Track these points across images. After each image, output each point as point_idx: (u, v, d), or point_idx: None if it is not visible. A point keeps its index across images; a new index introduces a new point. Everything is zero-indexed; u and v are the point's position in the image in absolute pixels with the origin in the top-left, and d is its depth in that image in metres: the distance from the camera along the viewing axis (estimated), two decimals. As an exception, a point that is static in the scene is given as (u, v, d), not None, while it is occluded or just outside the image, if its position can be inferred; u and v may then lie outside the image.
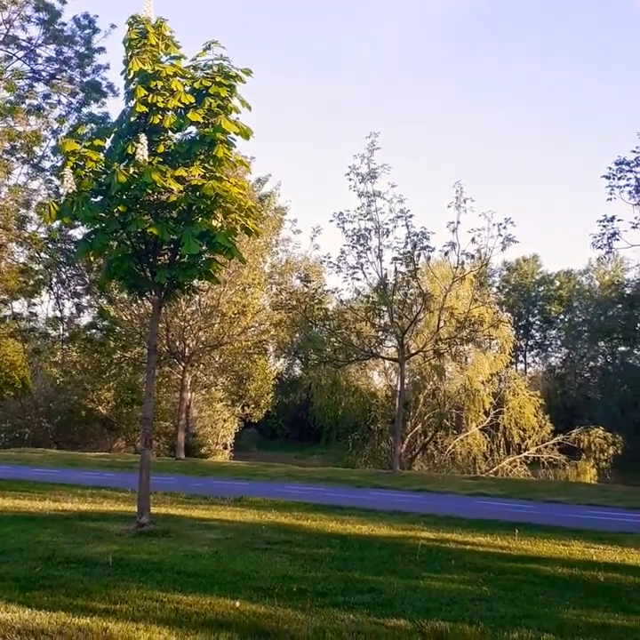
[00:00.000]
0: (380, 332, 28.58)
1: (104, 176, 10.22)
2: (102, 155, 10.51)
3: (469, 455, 34.59)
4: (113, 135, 10.86)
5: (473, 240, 24.78)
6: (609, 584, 7.79)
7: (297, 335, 36.75)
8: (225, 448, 40.90)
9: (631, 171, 24.57)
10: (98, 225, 10.45)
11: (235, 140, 10.76)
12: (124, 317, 31.89)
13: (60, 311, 33.30)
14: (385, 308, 26.65)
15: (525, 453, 34.62)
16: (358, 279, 26.13)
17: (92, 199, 10.35)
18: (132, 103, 10.47)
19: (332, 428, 38.72)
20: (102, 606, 6.33)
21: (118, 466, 24.12)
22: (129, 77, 10.56)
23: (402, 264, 25.63)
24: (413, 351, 28.78)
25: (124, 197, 10.26)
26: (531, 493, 18.19)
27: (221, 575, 7.65)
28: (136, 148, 10.04)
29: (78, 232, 24.81)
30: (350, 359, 29.58)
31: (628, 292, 32.71)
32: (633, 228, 24.58)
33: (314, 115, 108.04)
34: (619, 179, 24.59)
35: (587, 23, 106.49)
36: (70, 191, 9.99)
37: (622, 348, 40.89)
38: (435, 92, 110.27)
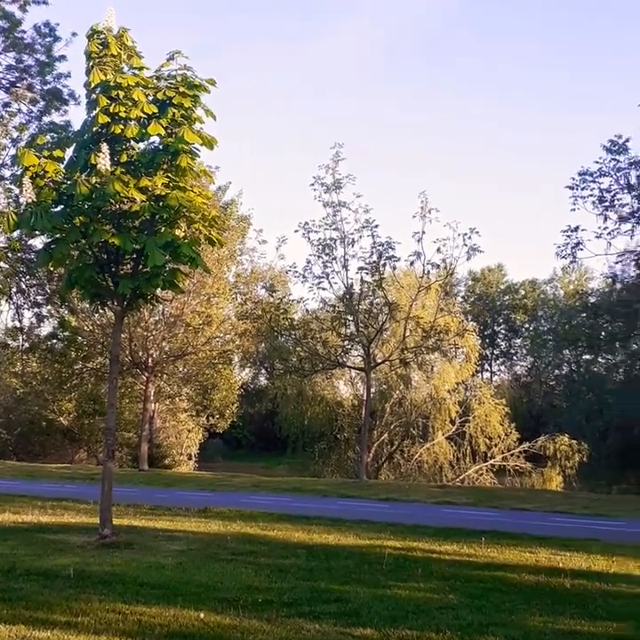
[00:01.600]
0: (346, 342, 28.59)
1: (64, 186, 10.10)
2: (62, 165, 10.38)
3: (436, 464, 34.68)
4: (75, 145, 10.75)
5: (438, 250, 24.94)
6: (575, 591, 7.82)
7: (262, 345, 36.65)
8: (189, 459, 40.54)
9: (594, 181, 24.92)
10: (58, 235, 10.33)
11: (199, 149, 10.72)
12: (85, 327, 31.54)
13: (20, 321, 32.95)
14: (351, 318, 26.67)
15: (491, 461, 34.78)
16: (324, 289, 26.15)
17: (53, 209, 10.23)
18: (93, 113, 10.37)
19: (298, 438, 38.60)
20: (63, 619, 6.22)
21: (80, 477, 23.79)
22: (91, 87, 10.45)
23: (367, 274, 25.68)
24: (380, 360, 28.82)
25: (86, 207, 10.14)
26: (497, 501, 18.27)
27: (185, 586, 7.55)
28: (98, 157, 9.93)
29: (39, 242, 24.61)
30: (316, 369, 29.55)
31: (591, 300, 33.07)
32: (596, 237, 24.90)
33: (277, 124, 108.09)
34: (582, 189, 24.92)
35: (557, 32, 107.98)
36: (29, 201, 9.85)
37: (587, 357, 41.32)
38: (399, 101, 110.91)
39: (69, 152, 10.72)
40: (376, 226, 25.02)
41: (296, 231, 25.57)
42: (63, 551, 9.52)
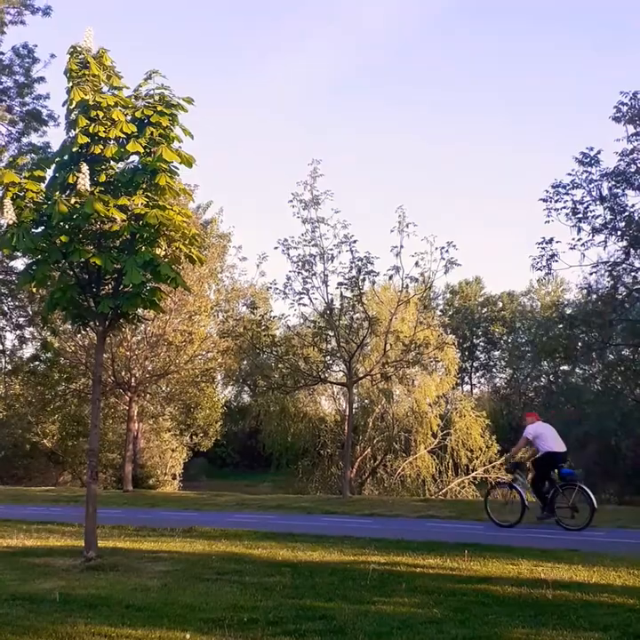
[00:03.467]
0: (328, 357, 28.63)
1: (45, 206, 10.14)
2: (43, 185, 10.43)
3: (418, 477, 34.77)
4: (54, 165, 10.79)
5: (416, 264, 25.02)
6: (557, 602, 7.88)
7: (244, 362, 36.64)
8: (174, 478, 40.40)
9: (567, 193, 25.22)
10: (39, 255, 10.36)
11: (177, 168, 10.80)
12: (67, 348, 31.43)
13: (2, 343, 32.77)
14: (332, 333, 26.71)
15: (473, 474, 34.94)
16: (305, 305, 26.14)
17: (33, 230, 10.26)
18: (73, 133, 10.43)
19: (281, 455, 38.58)
20: (49, 644, 6.21)
21: (64, 500, 23.65)
22: (70, 107, 10.51)
23: (347, 289, 25.75)
24: (361, 375, 28.89)
25: (66, 227, 10.19)
26: (480, 514, 18.26)
27: (171, 608, 7.56)
28: (77, 177, 9.98)
29: (20, 263, 24.58)
30: (298, 385, 29.53)
31: (568, 311, 33.33)
32: (571, 249, 25.19)
33: (256, 142, 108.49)
34: (556, 201, 25.21)
35: (533, 40, 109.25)
36: (10, 222, 9.90)
37: (564, 368, 41.59)
38: (374, 115, 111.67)
39: (49, 173, 10.78)
40: (354, 241, 25.13)
41: (275, 248, 25.62)
42: (48, 575, 9.49)
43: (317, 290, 25.71)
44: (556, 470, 14.80)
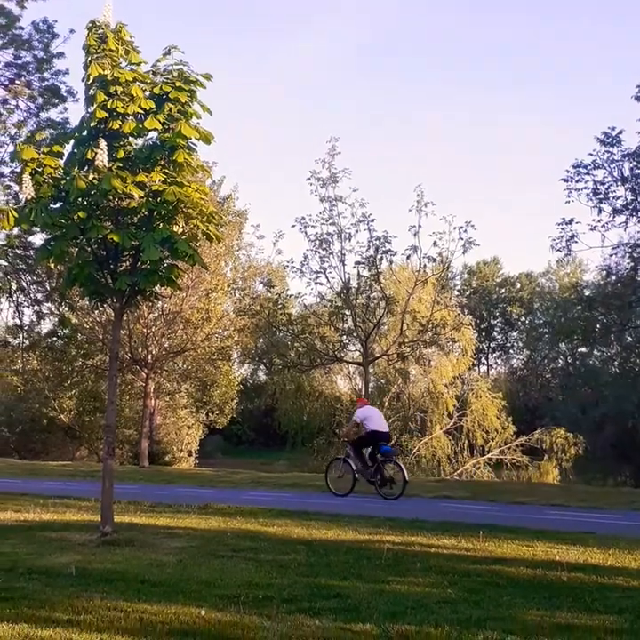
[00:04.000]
0: (344, 337, 28.64)
1: (63, 182, 10.12)
2: (61, 161, 10.41)
3: (434, 458, 34.80)
4: (73, 141, 10.76)
5: (434, 243, 24.97)
6: (572, 584, 7.85)
7: (261, 340, 36.71)
8: (190, 455, 40.63)
9: (588, 174, 25.02)
10: (57, 231, 10.35)
11: (196, 144, 10.75)
12: (85, 325, 31.60)
13: (20, 319, 32.95)
14: (348, 313, 26.70)
15: (489, 455, 34.93)
16: (321, 284, 26.16)
17: (52, 205, 10.26)
18: (91, 108, 10.37)
19: (297, 434, 38.72)
20: (65, 617, 6.25)
21: (81, 475, 23.82)
22: (88, 83, 10.45)
23: (364, 268, 25.72)
24: (377, 355, 28.87)
25: (84, 203, 10.17)
26: (495, 495, 18.31)
27: (186, 584, 7.59)
28: (96, 153, 9.95)
29: (38, 238, 24.64)
30: (314, 364, 29.58)
31: (586, 293, 33.13)
32: (591, 230, 25.05)
33: (273, 120, 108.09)
34: (576, 182, 25.04)
35: (544, 19, 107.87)
36: (29, 197, 9.89)
37: (582, 349, 41.40)
38: (393, 94, 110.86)
39: (68, 148, 10.75)
40: (372, 220, 25.09)
41: (293, 226, 25.61)
42: (65, 549, 9.55)
43: (334, 269, 25.72)
44: (378, 448, 16.62)
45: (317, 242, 25.50)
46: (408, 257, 26.29)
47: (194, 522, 12.31)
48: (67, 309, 32.28)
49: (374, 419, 16.79)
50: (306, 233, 25.51)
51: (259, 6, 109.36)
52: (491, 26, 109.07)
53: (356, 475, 16.76)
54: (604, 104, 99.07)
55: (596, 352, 41.03)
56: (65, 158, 10.58)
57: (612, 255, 26.98)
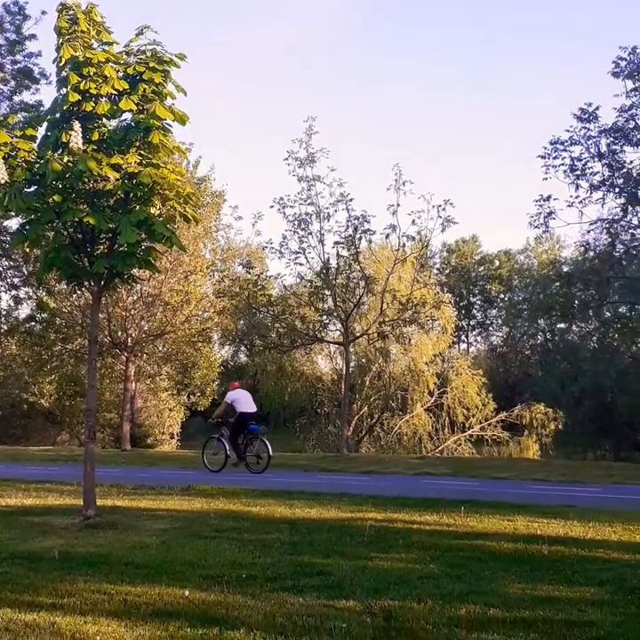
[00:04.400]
0: (324, 317, 28.66)
1: (37, 165, 10.01)
2: (35, 144, 10.29)
3: (415, 435, 35.03)
4: (46, 123, 10.64)
5: (413, 222, 24.96)
6: (553, 557, 7.95)
7: (241, 322, 36.66)
8: (171, 438, 40.63)
9: (565, 150, 25.07)
10: (33, 215, 10.25)
11: (171, 125, 10.65)
12: (63, 309, 31.38)
13: (-3, 304, 32.69)
14: (328, 293, 26.70)
15: (469, 431, 35.22)
16: (301, 264, 26.09)
17: (26, 189, 10.15)
18: (64, 91, 10.24)
19: (279, 414, 38.84)
20: (49, 601, 6.26)
21: (62, 459, 23.77)
22: (60, 65, 10.32)
23: (343, 248, 25.69)
24: (358, 334, 28.93)
25: (59, 187, 10.07)
26: (476, 471, 18.48)
27: (170, 565, 7.62)
28: (70, 135, 9.84)
29: (14, 223, 24.41)
30: (295, 344, 29.61)
31: (565, 269, 33.35)
32: (568, 206, 25.15)
33: (250, 99, 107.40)
34: (554, 158, 25.10)
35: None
36: (2, 182, 9.77)
37: (561, 325, 41.72)
38: (370, 72, 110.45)
39: (41, 131, 10.63)
40: (351, 199, 25.02)
41: (271, 207, 25.52)
42: (47, 533, 9.55)
43: (314, 249, 25.65)
44: (246, 427, 18.19)
45: (296, 222, 25.43)
46: (387, 236, 26.30)
47: (177, 503, 12.33)
48: (44, 294, 32.09)
49: (243, 401, 18.30)
50: (284, 213, 25.43)
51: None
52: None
53: (228, 452, 18.13)
54: (586, 80, 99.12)
55: (574, 328, 41.35)
56: (38, 141, 10.47)
57: (589, 231, 27.12)
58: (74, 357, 36.02)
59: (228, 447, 18.14)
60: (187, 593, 6.44)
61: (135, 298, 30.09)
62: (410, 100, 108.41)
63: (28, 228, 10.41)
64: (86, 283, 11.29)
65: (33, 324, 35.18)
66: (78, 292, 26.03)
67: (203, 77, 76.64)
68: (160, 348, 34.91)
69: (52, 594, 6.49)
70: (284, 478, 16.72)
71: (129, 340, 29.72)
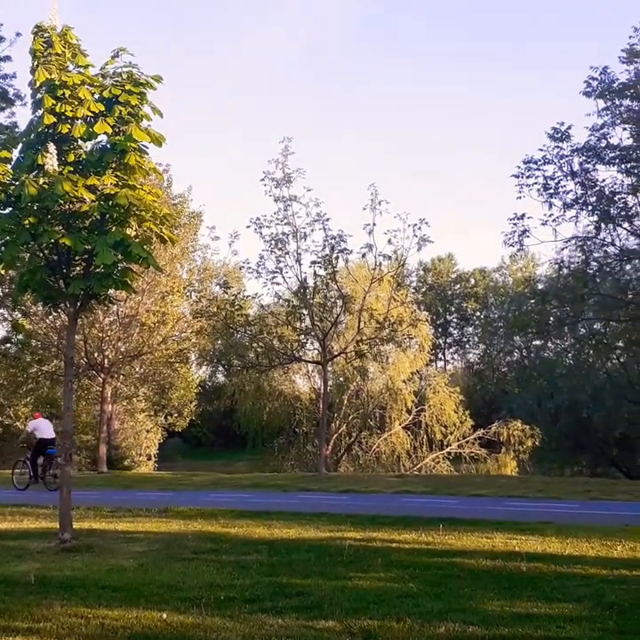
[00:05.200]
0: (302, 336, 28.64)
1: (13, 188, 10.00)
2: (9, 166, 10.28)
3: (393, 454, 35.01)
4: (21, 145, 10.64)
5: (389, 241, 25.08)
6: (531, 574, 8.00)
7: (218, 342, 36.54)
8: (149, 459, 40.30)
9: (539, 169, 25.35)
10: (8, 237, 10.22)
11: (147, 147, 10.68)
12: (39, 330, 31.13)
13: (-28, 326, 32.41)
14: (305, 312, 26.72)
15: (448, 449, 35.25)
16: (278, 284, 26.09)
17: (1, 211, 10.14)
18: (39, 113, 10.28)
19: (257, 434, 38.65)
20: (25, 625, 6.21)
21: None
22: (36, 87, 10.35)
23: (320, 267, 25.74)
24: (336, 353, 28.94)
25: (35, 208, 10.05)
26: (454, 488, 18.51)
27: (147, 588, 7.57)
28: (45, 157, 9.85)
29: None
30: (273, 364, 29.54)
31: (540, 287, 33.64)
32: (542, 224, 25.39)
33: (227, 121, 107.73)
34: (527, 177, 25.35)
35: (495, 17, 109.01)
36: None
37: (537, 342, 42.00)
38: (346, 92, 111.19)
39: (16, 153, 10.62)
40: (327, 219, 25.10)
41: (248, 227, 25.54)
42: (23, 557, 9.46)
43: (291, 268, 25.68)
44: (44, 451, 20.10)
45: (273, 242, 25.47)
46: (363, 255, 26.42)
47: (154, 525, 12.25)
48: (20, 315, 31.84)
49: (42, 429, 20.35)
50: (261, 233, 25.45)
51: (205, 8, 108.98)
52: (438, 24, 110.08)
53: (31, 472, 20.14)
54: (558, 100, 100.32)
55: (550, 344, 41.66)
56: (13, 163, 10.46)
57: (563, 249, 27.39)
58: (50, 379, 35.68)
59: (31, 467, 20.16)
60: (165, 616, 6.40)
61: (112, 319, 29.92)
62: (384, 120, 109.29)
63: (3, 249, 10.37)
64: (62, 304, 11.26)
65: (8, 345, 34.87)
66: (54, 314, 25.88)
67: (176, 97, 76.77)
68: (137, 369, 34.66)
69: (29, 618, 6.43)
70: (262, 499, 16.66)
71: (105, 361, 29.52)
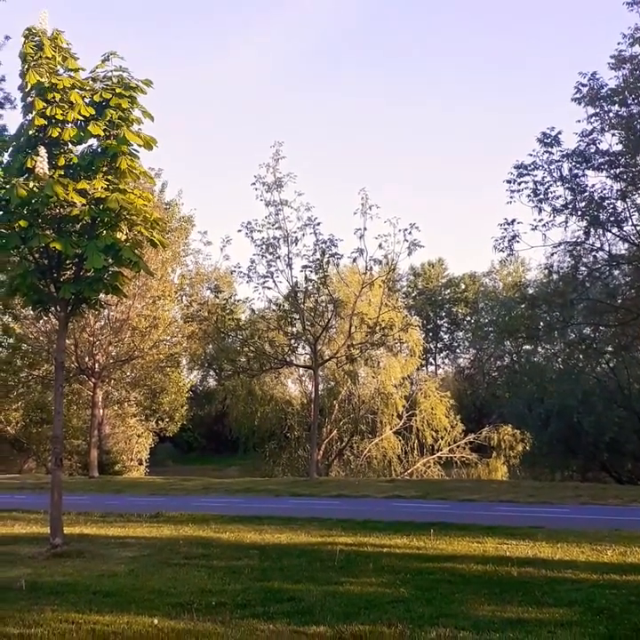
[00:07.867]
0: (293, 340, 28.64)
1: (3, 191, 9.97)
2: (0, 169, 10.26)
3: (385, 458, 34.97)
4: (11, 149, 10.61)
5: (380, 246, 25.14)
6: (522, 579, 8.00)
7: (210, 346, 36.48)
8: (140, 464, 40.14)
9: (529, 174, 25.39)
10: (-2, 240, 10.19)
11: (138, 151, 10.67)
12: (30, 334, 31.05)
13: (-38, 330, 32.26)
14: (297, 316, 26.73)
15: (438, 454, 35.26)
16: (269, 288, 26.13)
17: (-9, 215, 10.11)
18: (30, 116, 10.26)
19: (248, 439, 38.55)
20: (16, 631, 6.18)
21: (29, 487, 23.43)
22: (26, 90, 10.34)
23: (312, 272, 25.77)
24: (326, 357, 28.94)
25: (25, 212, 10.03)
26: (445, 493, 18.52)
27: (138, 593, 7.54)
28: (36, 161, 9.83)
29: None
30: (264, 368, 29.55)
31: (529, 292, 33.61)
32: (532, 229, 25.41)
33: (219, 124, 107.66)
34: (518, 183, 25.37)
35: (489, 23, 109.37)
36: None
37: (527, 347, 42.02)
38: (337, 97, 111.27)
39: (6, 157, 10.59)
40: (318, 223, 25.17)
41: (239, 231, 25.56)
42: (14, 563, 9.42)
43: (282, 273, 25.72)
44: None
45: (264, 246, 25.50)
46: (354, 260, 26.50)
47: (145, 531, 12.21)
48: (10, 319, 31.74)
49: None
50: (252, 238, 25.49)
51: (192, 12, 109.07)
52: (431, 30, 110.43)
53: None
54: (550, 107, 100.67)
55: (540, 349, 41.65)
56: (3, 166, 10.43)
57: (553, 254, 27.39)
58: (40, 383, 35.55)
59: None
60: (156, 621, 6.38)
61: (102, 323, 29.86)
62: (375, 125, 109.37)
63: (-8, 253, 10.34)
64: (53, 308, 11.23)
65: (-1, 349, 34.72)
66: (45, 318, 25.78)
67: (166, 101, 76.72)
68: (128, 374, 34.57)
69: (20, 624, 6.40)
70: (253, 503, 16.64)
71: (96, 365, 29.45)
